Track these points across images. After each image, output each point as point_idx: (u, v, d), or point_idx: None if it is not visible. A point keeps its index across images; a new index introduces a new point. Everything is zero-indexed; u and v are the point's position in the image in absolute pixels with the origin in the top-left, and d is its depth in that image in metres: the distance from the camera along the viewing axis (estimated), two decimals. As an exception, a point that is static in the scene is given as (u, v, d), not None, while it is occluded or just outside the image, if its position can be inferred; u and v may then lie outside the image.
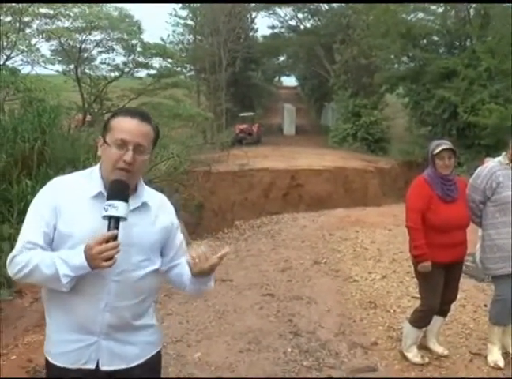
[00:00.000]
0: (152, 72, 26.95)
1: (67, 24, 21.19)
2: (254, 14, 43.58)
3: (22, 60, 19.46)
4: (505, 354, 4.83)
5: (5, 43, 16.74)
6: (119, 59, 25.88)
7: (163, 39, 37.41)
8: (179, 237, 2.58)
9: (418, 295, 5.29)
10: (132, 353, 2.42)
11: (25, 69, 19.31)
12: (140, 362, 2.44)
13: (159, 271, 2.48)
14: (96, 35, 23.71)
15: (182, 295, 6.83)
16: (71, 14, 20.65)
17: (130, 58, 25.44)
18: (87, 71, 25.92)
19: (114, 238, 2.14)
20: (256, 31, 45.51)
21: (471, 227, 4.81)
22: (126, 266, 2.28)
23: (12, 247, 2.19)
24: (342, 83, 34.59)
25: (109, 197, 2.21)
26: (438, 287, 4.65)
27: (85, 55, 24.88)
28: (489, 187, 4.64)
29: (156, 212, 2.43)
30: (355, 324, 6.01)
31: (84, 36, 23.16)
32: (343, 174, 23.28)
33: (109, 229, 2.15)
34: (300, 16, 43.58)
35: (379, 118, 32.43)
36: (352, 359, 5.08)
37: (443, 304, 4.77)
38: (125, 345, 2.38)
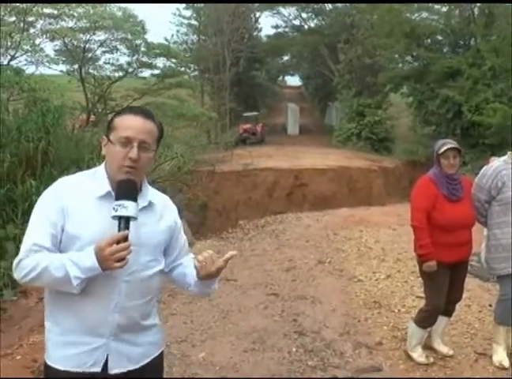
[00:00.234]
0: (156, 72, 27.00)
1: (71, 24, 21.25)
2: (257, 14, 43.58)
3: (26, 60, 19.50)
4: (511, 354, 4.81)
5: (9, 43, 16.77)
6: (123, 59, 25.94)
7: (167, 39, 37.46)
8: (183, 236, 2.59)
9: (423, 295, 5.27)
10: (139, 354, 2.41)
11: (29, 69, 19.32)
12: (146, 362, 2.43)
13: (163, 271, 2.49)
14: (100, 35, 23.77)
15: (186, 295, 6.84)
16: (75, 14, 20.68)
17: (134, 57, 25.48)
18: (91, 71, 25.98)
19: (125, 238, 2.12)
20: (260, 30, 45.54)
21: (476, 227, 4.80)
22: (136, 266, 2.28)
23: (17, 247, 2.16)
24: (346, 82, 34.56)
25: (118, 197, 2.19)
26: (444, 286, 4.64)
27: (89, 55, 24.92)
28: (494, 186, 4.63)
29: (160, 212, 2.43)
30: (360, 323, 5.99)
31: (88, 36, 23.21)
32: (347, 173, 23.27)
33: (119, 229, 2.13)
34: (304, 15, 43.53)
35: (383, 118, 32.40)
36: (357, 359, 5.06)
37: (448, 304, 4.75)
38: (132, 346, 2.37)
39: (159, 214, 2.42)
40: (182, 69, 30.30)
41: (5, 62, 17.33)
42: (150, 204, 2.38)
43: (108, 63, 26.24)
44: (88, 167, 2.48)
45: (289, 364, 5.00)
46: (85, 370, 2.27)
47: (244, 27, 39.32)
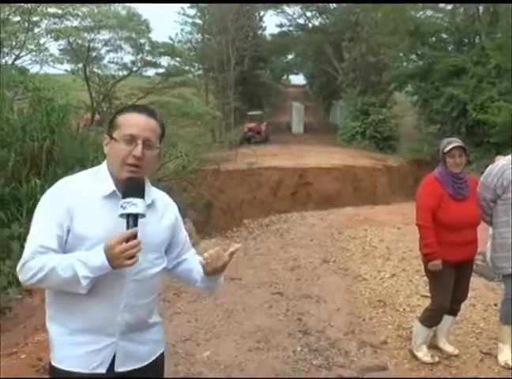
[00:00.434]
0: (161, 71, 27.02)
1: (76, 23, 21.26)
2: (262, 12, 43.53)
3: (31, 59, 19.53)
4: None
5: (14, 43, 16.83)
6: (128, 58, 25.98)
7: (171, 38, 37.53)
8: (184, 232, 2.61)
9: (427, 294, 5.27)
10: (145, 352, 2.42)
11: (34, 69, 19.35)
12: (150, 360, 2.45)
13: (165, 268, 2.50)
14: (105, 34, 23.81)
15: (191, 294, 6.85)
16: (79, 13, 20.70)
17: (139, 56, 25.51)
18: (95, 70, 26.02)
19: (135, 236, 2.11)
20: (264, 29, 45.54)
21: (481, 226, 4.78)
22: (143, 265, 2.28)
23: (21, 246, 2.15)
24: (350, 81, 34.53)
25: (125, 195, 2.18)
26: (449, 285, 4.63)
27: (94, 54, 24.98)
28: (500, 185, 4.61)
29: (162, 210, 2.45)
30: (365, 322, 5.99)
31: (93, 35, 23.26)
32: (351, 172, 23.25)
33: (128, 227, 2.12)
34: (308, 14, 43.46)
35: (388, 116, 32.34)
36: (362, 358, 5.06)
37: (453, 303, 4.74)
38: (138, 344, 2.38)
39: (161, 212, 2.43)
40: (187, 67, 30.35)
41: (10, 62, 17.39)
42: (153, 202, 2.38)
43: (113, 62, 26.29)
44: (93, 166, 2.45)
45: (294, 363, 5.00)
46: (92, 371, 2.27)
47: (248, 25, 39.35)
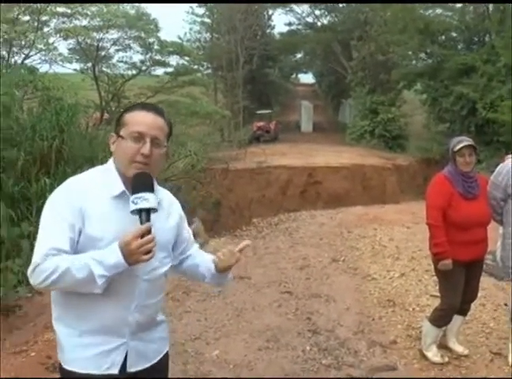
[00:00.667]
0: (169, 70, 27.10)
1: (85, 22, 21.39)
2: (270, 11, 43.53)
3: (40, 59, 19.68)
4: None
5: (23, 42, 16.91)
6: (136, 57, 26.10)
7: (180, 37, 37.57)
8: (187, 229, 2.62)
9: (437, 294, 5.24)
10: (153, 350, 2.44)
11: (43, 68, 19.49)
12: (158, 359, 2.46)
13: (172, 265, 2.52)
14: (114, 34, 23.90)
15: (200, 293, 6.85)
16: (88, 13, 20.80)
17: (147, 56, 25.60)
18: (104, 69, 26.12)
19: (149, 231, 2.09)
20: (273, 28, 45.53)
21: (491, 225, 4.75)
22: (155, 264, 2.28)
23: (31, 245, 2.14)
24: (359, 79, 34.45)
25: (135, 190, 2.15)
26: (459, 285, 4.60)
27: (103, 54, 25.06)
28: (510, 184, 4.58)
29: (168, 209, 2.45)
30: (374, 322, 5.97)
31: (102, 35, 23.35)
32: (361, 171, 23.21)
33: (142, 222, 2.10)
34: (317, 12, 43.44)
35: (397, 115, 32.26)
36: (371, 358, 5.04)
37: (463, 303, 4.71)
38: (147, 343, 2.39)
39: (167, 211, 2.43)
40: (196, 66, 30.43)
41: (20, 61, 17.47)
42: (159, 201, 2.36)
43: (121, 61, 26.41)
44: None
45: (303, 362, 4.99)
46: (105, 372, 2.26)
47: (257, 24, 39.37)
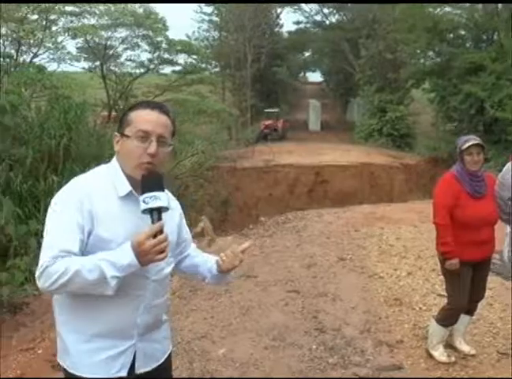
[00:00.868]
0: (178, 68, 27.19)
1: (93, 21, 21.45)
2: (279, 10, 43.59)
3: (49, 57, 19.78)
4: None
5: (32, 41, 16.97)
6: (144, 56, 26.20)
7: (188, 36, 37.73)
8: (186, 228, 2.61)
9: (444, 293, 5.23)
10: (159, 350, 2.43)
11: (52, 67, 19.62)
12: (164, 358, 2.46)
13: None
14: (122, 32, 23.99)
15: (207, 291, 6.86)
16: (97, 12, 20.85)
17: (155, 54, 25.65)
18: (112, 68, 26.20)
19: (161, 230, 2.06)
20: (281, 26, 45.65)
21: (498, 224, 4.72)
22: (162, 264, 2.26)
23: (38, 243, 2.12)
24: (368, 78, 34.43)
25: (146, 190, 2.11)
26: (466, 285, 4.58)
27: (111, 52, 25.14)
28: (517, 184, 4.57)
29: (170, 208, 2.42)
30: (381, 321, 5.95)
31: (110, 33, 23.43)
32: (368, 169, 23.18)
33: (153, 222, 2.07)
34: (326, 11, 43.43)
35: (405, 114, 32.23)
36: (378, 357, 5.03)
37: (470, 303, 4.69)
38: (154, 344, 2.39)
39: (169, 211, 2.35)
40: (204, 65, 30.45)
41: (28, 60, 17.54)
42: None
43: (129, 60, 26.49)
44: (110, 163, 2.40)
45: (309, 361, 4.99)
46: (113, 376, 2.24)
47: (265, 23, 39.42)
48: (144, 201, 2.09)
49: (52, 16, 19.09)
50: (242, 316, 6.17)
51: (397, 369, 4.78)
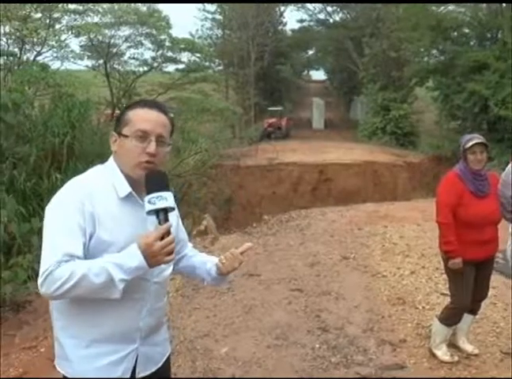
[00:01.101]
0: (181, 66, 27.21)
1: (96, 19, 21.44)
2: (282, 8, 43.53)
3: (52, 56, 19.79)
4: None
5: (35, 39, 16.98)
6: (148, 54, 26.25)
7: (191, 34, 37.75)
8: (183, 228, 2.58)
9: (447, 292, 5.21)
10: (159, 353, 2.41)
11: (55, 65, 19.64)
12: (164, 360, 2.43)
13: None
14: (125, 31, 23.99)
15: (210, 289, 6.85)
16: (100, 10, 20.86)
17: (159, 52, 25.65)
18: (116, 66, 26.21)
19: (169, 231, 2.02)
20: (285, 24, 45.67)
21: (501, 223, 4.71)
22: (162, 266, 2.19)
23: (41, 241, 2.08)
24: (371, 76, 34.40)
25: (151, 190, 2.06)
26: (469, 284, 4.57)
27: (114, 50, 25.13)
28: (521, 182, 4.55)
29: None
30: (384, 320, 5.94)
31: (113, 31, 23.44)
32: (372, 168, 23.17)
33: (160, 223, 2.02)
34: (329, 9, 43.41)
35: (409, 112, 32.19)
36: (380, 356, 5.02)
37: (474, 302, 4.68)
38: (154, 347, 2.36)
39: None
40: (207, 63, 30.44)
41: (32, 58, 17.56)
42: None
43: (133, 58, 26.49)
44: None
45: (312, 360, 4.98)
46: None
47: (269, 21, 39.42)
48: (150, 202, 2.03)
49: (56, 15, 19.09)
50: (245, 314, 6.17)
51: (400, 368, 4.77)
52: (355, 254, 8.76)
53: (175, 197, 2.41)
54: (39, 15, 18.04)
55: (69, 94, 12.27)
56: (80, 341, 2.17)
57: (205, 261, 2.54)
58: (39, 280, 1.98)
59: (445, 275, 5.17)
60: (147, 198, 2.04)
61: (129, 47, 25.78)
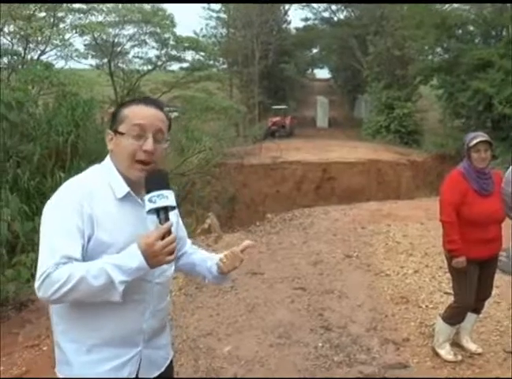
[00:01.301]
0: (185, 65, 27.18)
1: (100, 18, 21.43)
2: (286, 6, 43.52)
3: (56, 54, 19.79)
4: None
5: (39, 38, 16.99)
6: (152, 53, 26.21)
7: (196, 33, 37.74)
8: (182, 226, 2.52)
9: (450, 291, 5.20)
10: (162, 358, 2.35)
11: (59, 64, 19.65)
12: (166, 365, 2.37)
13: None
14: (129, 29, 23.98)
15: (213, 288, 6.85)
16: (104, 9, 20.86)
17: (163, 51, 25.64)
18: (120, 65, 26.21)
19: (169, 230, 1.96)
20: (289, 23, 45.68)
21: (504, 222, 4.69)
22: (164, 266, 2.13)
23: None
24: (375, 75, 34.37)
25: (152, 188, 2.00)
26: (473, 283, 4.55)
27: (118, 49, 25.14)
28: (525, 181, 4.53)
29: None
30: (387, 319, 5.93)
31: (118, 30, 23.43)
32: (376, 166, 23.15)
33: (160, 222, 1.96)
34: (334, 7, 43.36)
35: (413, 110, 32.17)
36: (384, 355, 5.01)
37: (477, 301, 4.66)
38: (157, 350, 2.30)
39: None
40: (211, 62, 30.39)
41: (36, 57, 17.58)
42: None
43: (137, 57, 26.49)
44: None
45: (315, 359, 4.97)
46: None
47: (273, 19, 39.41)
48: (150, 200, 1.98)
49: (60, 14, 19.10)
50: (248, 313, 6.17)
51: (403, 367, 4.76)
52: (359, 253, 8.75)
53: (177, 195, 2.36)
54: (43, 14, 18.04)
55: (73, 93, 12.27)
56: (80, 346, 2.10)
57: (205, 259, 2.50)
58: (37, 284, 1.93)
59: (448, 274, 5.16)
60: (147, 197, 1.99)
61: (134, 46, 25.80)
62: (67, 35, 19.53)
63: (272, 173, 23.23)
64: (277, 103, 38.07)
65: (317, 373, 4.74)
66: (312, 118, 42.28)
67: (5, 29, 16.47)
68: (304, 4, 43.26)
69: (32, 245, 6.16)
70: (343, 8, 42.87)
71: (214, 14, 41.21)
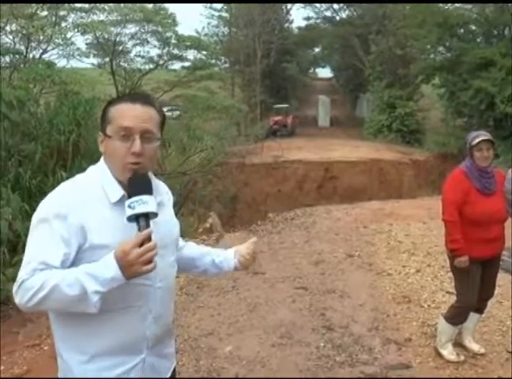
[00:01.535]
0: (187, 64, 27.09)
1: (102, 17, 21.38)
2: (289, 5, 43.51)
3: (58, 53, 19.77)
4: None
5: (41, 37, 16.98)
6: (154, 52, 26.10)
7: (197, 32, 37.75)
8: (177, 225, 2.39)
9: (453, 290, 5.18)
10: (165, 367, 2.26)
11: (61, 63, 19.62)
12: (169, 375, 2.28)
13: None
14: (131, 28, 23.89)
15: (214, 288, 6.84)
16: (106, 8, 20.83)
17: (165, 50, 25.57)
18: (122, 64, 26.14)
19: (149, 238, 1.84)
20: (291, 22, 45.66)
21: (507, 221, 4.67)
22: (167, 269, 2.10)
23: None
24: (377, 74, 34.35)
25: (133, 193, 1.91)
26: (475, 283, 4.53)
27: (120, 48, 25.08)
28: (527, 180, 4.51)
29: (167, 204, 2.26)
30: (389, 319, 5.92)
31: (119, 29, 23.35)
32: (377, 166, 23.13)
33: (139, 229, 1.86)
34: (336, 6, 43.34)
35: (414, 109, 32.16)
36: (386, 355, 4.99)
37: (480, 301, 4.64)
38: (161, 358, 2.21)
39: (167, 207, 2.23)
40: (213, 61, 30.36)
41: (38, 56, 17.57)
42: (161, 200, 2.17)
43: (139, 56, 26.41)
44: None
45: (317, 359, 4.96)
46: None
47: (275, 18, 39.41)
48: (129, 206, 1.89)
49: (62, 13, 19.08)
50: (250, 313, 6.15)
51: (405, 367, 4.75)
52: (360, 252, 8.73)
53: (179, 194, 2.32)
54: (45, 13, 18.03)
55: (75, 92, 12.25)
56: (81, 355, 2.01)
57: (204, 253, 2.48)
58: (14, 289, 1.86)
59: (450, 274, 5.14)
60: (127, 202, 1.90)
61: (135, 45, 25.72)
62: (69, 34, 19.51)
63: (273, 172, 23.21)
64: (279, 102, 38.06)
65: (319, 373, 4.73)
66: (314, 117, 42.26)
67: (7, 28, 16.44)
68: (306, 3, 43.29)
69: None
70: (345, 7, 42.83)
71: (216, 13, 41.27)
